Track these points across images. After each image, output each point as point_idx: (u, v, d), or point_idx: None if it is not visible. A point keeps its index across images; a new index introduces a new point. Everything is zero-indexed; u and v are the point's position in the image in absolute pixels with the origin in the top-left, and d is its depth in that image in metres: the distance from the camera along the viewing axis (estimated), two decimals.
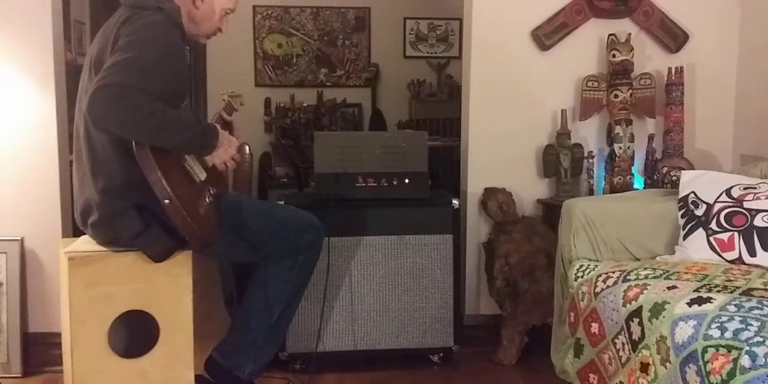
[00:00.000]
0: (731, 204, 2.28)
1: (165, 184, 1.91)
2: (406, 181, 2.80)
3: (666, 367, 1.77)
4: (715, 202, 2.31)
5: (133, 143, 1.93)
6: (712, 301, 1.80)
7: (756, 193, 2.28)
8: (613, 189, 2.99)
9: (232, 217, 2.25)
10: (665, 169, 2.96)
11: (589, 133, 3.14)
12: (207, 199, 2.10)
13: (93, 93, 1.85)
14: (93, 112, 1.87)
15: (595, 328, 2.17)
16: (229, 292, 2.51)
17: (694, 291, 1.89)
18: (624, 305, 2.02)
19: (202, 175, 2.12)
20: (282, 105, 6.01)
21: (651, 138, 3.08)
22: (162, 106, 1.91)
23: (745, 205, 2.25)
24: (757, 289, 1.88)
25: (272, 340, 2.41)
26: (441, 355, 2.86)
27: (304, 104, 6.02)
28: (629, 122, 3.01)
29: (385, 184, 2.79)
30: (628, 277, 2.11)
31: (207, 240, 2.04)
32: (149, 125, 1.89)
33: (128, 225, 2.07)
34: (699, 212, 2.32)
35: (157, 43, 1.98)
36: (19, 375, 2.75)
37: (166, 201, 1.92)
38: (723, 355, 1.60)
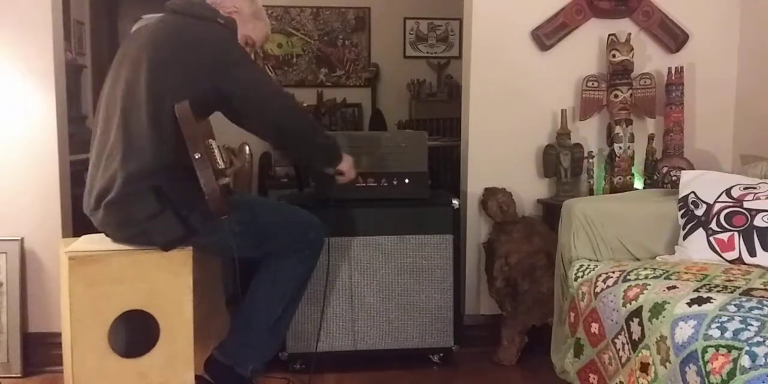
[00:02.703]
0: (731, 204, 2.28)
1: (201, 140, 2.02)
2: (406, 181, 2.80)
3: (666, 367, 1.77)
4: (715, 202, 2.31)
5: (173, 102, 2.08)
6: (712, 301, 1.80)
7: (756, 193, 2.28)
8: (613, 189, 2.99)
9: (241, 211, 2.26)
10: (665, 169, 2.96)
11: (589, 133, 3.14)
12: (222, 181, 2.12)
13: (276, 99, 2.36)
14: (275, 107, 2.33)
15: (595, 328, 2.17)
16: (231, 291, 2.51)
17: (694, 291, 1.89)
18: (624, 305, 2.02)
19: (222, 164, 2.14)
20: None
21: (651, 138, 3.08)
22: None
23: (745, 205, 2.25)
24: (757, 289, 1.87)
25: (275, 337, 2.42)
26: (441, 355, 2.86)
27: (304, 104, 6.01)
28: (629, 122, 3.01)
29: (385, 184, 2.79)
30: (628, 277, 2.11)
31: (224, 207, 2.07)
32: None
33: (143, 206, 2.11)
34: (699, 212, 2.32)
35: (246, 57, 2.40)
36: (19, 375, 2.75)
37: (197, 155, 2.01)
38: (723, 355, 1.59)
